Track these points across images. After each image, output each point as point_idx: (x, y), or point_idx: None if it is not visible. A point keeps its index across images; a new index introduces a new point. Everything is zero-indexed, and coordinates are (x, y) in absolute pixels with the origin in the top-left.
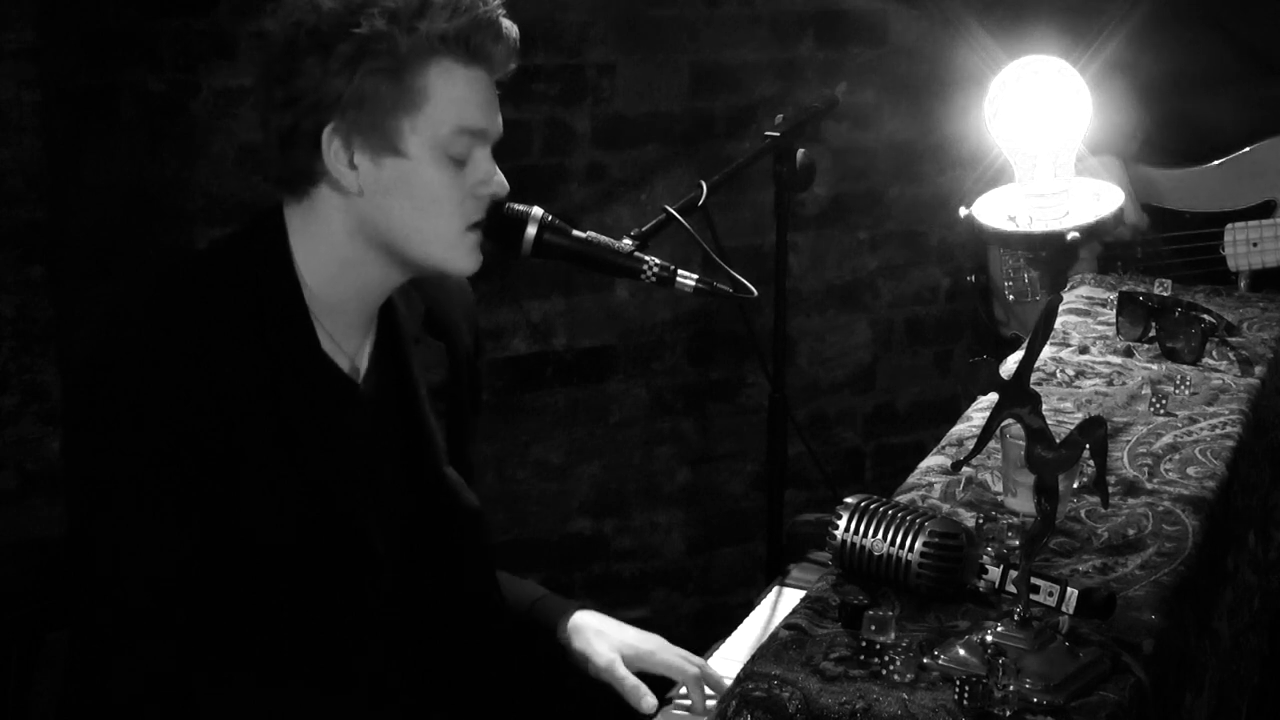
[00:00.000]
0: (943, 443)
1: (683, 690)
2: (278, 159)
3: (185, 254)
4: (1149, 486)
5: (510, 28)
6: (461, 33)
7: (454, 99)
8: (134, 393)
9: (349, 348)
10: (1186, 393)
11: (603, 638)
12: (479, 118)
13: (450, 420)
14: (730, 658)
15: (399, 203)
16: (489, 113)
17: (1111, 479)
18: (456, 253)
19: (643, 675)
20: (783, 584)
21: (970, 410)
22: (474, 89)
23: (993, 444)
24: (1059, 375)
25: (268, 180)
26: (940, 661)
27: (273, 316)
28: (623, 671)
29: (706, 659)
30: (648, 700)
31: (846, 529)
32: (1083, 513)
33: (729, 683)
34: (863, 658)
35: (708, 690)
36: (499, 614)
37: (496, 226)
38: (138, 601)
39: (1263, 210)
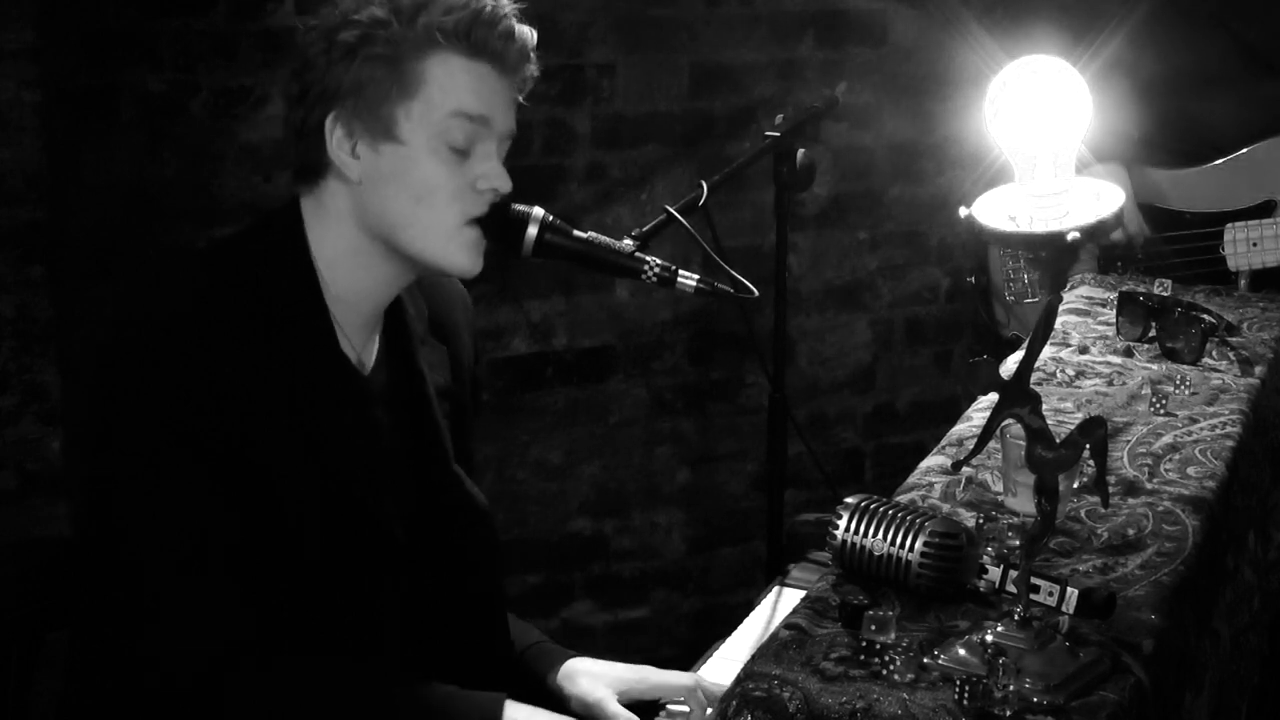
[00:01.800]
0: (943, 443)
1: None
2: (295, 153)
3: (199, 247)
4: (1149, 486)
5: (524, 31)
6: (461, 26)
7: (451, 85)
8: (149, 385)
9: (357, 343)
10: (1186, 393)
11: (593, 679)
12: (476, 104)
13: (454, 421)
14: (730, 658)
15: (396, 191)
16: (491, 103)
17: (1111, 479)
18: (452, 247)
19: (639, 706)
20: (783, 584)
21: (970, 410)
22: (474, 78)
23: (993, 444)
24: (1059, 375)
25: (289, 173)
26: (940, 661)
27: (290, 309)
28: (614, 708)
29: (706, 659)
30: None
31: (846, 529)
32: (1083, 513)
33: (722, 689)
34: (863, 658)
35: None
36: (503, 611)
37: (497, 227)
38: (152, 596)
39: (1263, 210)
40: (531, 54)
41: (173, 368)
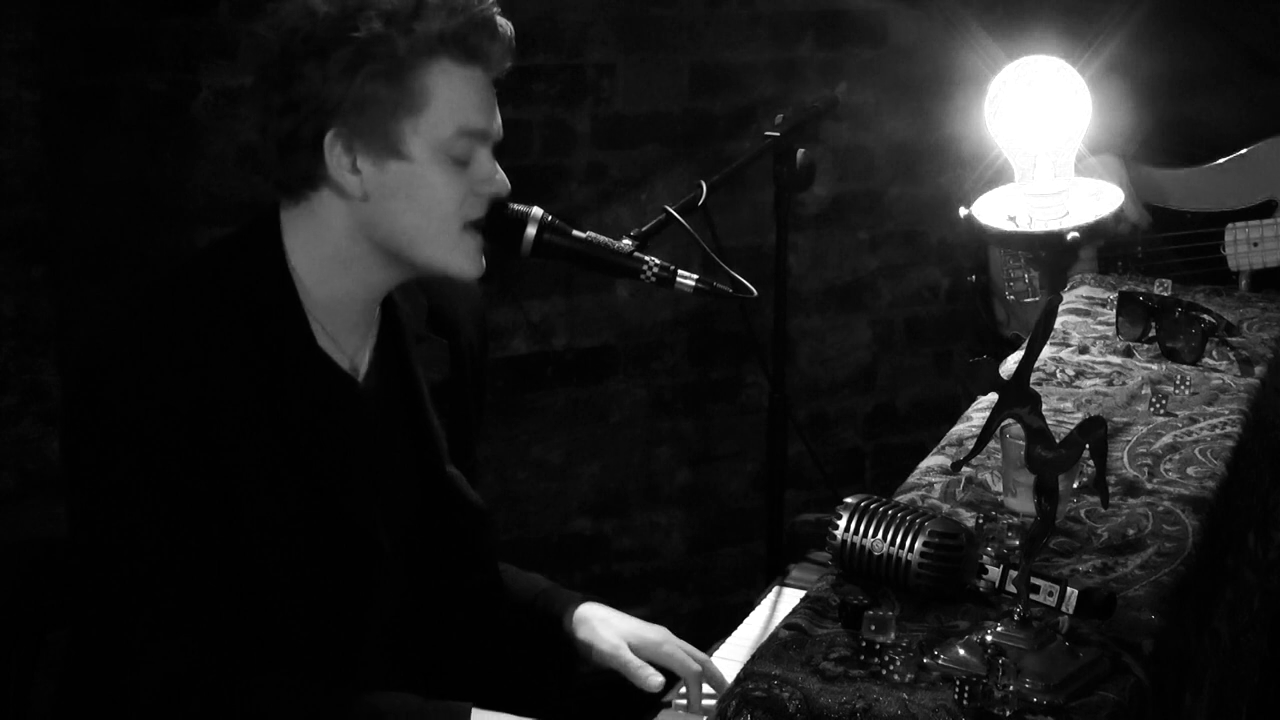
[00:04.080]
0: (943, 443)
1: (682, 690)
2: (277, 164)
3: (181, 257)
4: (1149, 486)
5: (505, 25)
6: (459, 32)
7: (454, 101)
8: (131, 396)
9: (348, 346)
10: (1186, 393)
11: (608, 626)
12: (480, 119)
13: (453, 419)
14: (730, 658)
15: (402, 205)
16: (489, 113)
17: (1111, 479)
18: (457, 254)
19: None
20: (783, 584)
21: (970, 410)
22: (474, 89)
23: (993, 444)
24: (1059, 375)
25: (268, 181)
26: (940, 661)
27: (268, 316)
28: (628, 655)
29: None
30: (654, 679)
31: (846, 529)
32: (1083, 513)
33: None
34: (863, 658)
35: (708, 689)
36: (501, 612)
37: (496, 227)
38: (139, 602)
39: (1263, 210)
40: (513, 48)
41: (155, 380)
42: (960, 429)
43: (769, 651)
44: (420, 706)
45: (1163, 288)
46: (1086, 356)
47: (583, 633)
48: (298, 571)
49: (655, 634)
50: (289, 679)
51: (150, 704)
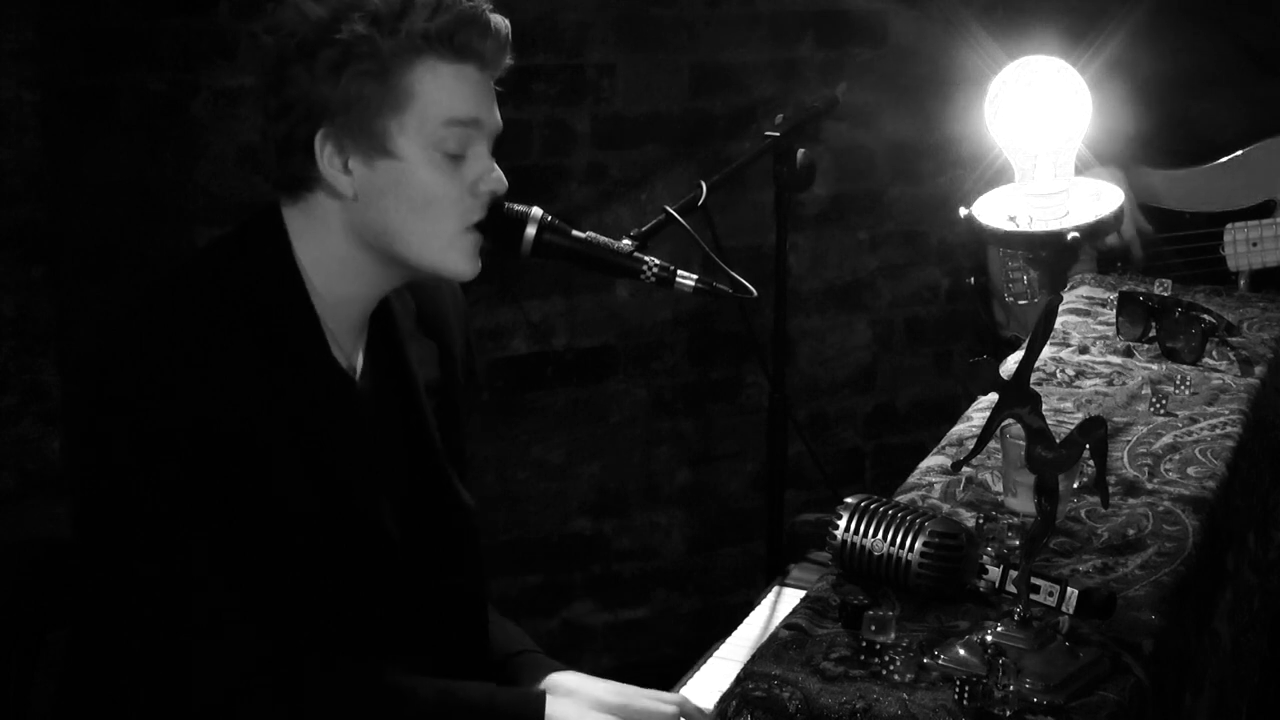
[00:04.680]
0: (943, 443)
1: None
2: (276, 165)
3: (185, 255)
4: (1149, 486)
5: (500, 22)
6: (445, 30)
7: (440, 94)
8: (135, 395)
9: (346, 346)
10: (1186, 393)
11: (576, 700)
12: (467, 108)
13: (442, 418)
14: (730, 658)
15: (394, 204)
16: (479, 104)
17: (1111, 479)
18: (453, 254)
19: None
20: (783, 584)
21: (970, 410)
22: (462, 82)
23: (993, 444)
24: (1059, 375)
25: (269, 182)
26: (940, 661)
27: (276, 316)
28: None
29: (706, 659)
30: None
31: (846, 529)
32: (1083, 513)
33: (709, 710)
34: (863, 658)
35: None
36: (484, 611)
37: (496, 227)
38: (142, 602)
39: (1263, 210)
40: (509, 44)
41: (159, 379)
42: (960, 429)
43: (769, 651)
44: (495, 690)
45: (1163, 288)
46: (1086, 356)
47: (550, 707)
48: (308, 569)
49: (623, 696)
50: (362, 670)
51: (151, 705)
